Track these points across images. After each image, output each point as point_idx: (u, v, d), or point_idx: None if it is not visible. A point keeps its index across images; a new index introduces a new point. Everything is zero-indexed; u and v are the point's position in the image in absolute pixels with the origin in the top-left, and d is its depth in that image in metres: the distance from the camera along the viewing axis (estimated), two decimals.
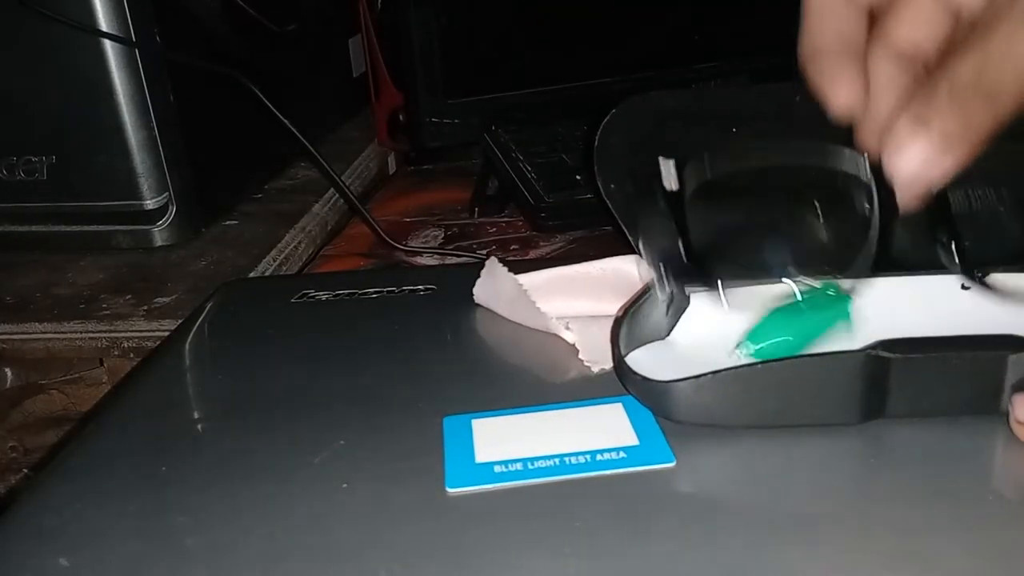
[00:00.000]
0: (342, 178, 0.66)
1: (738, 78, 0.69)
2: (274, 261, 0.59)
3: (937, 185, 0.26)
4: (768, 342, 0.29)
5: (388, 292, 0.40)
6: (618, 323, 0.30)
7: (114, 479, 0.27)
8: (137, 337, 0.49)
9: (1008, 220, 0.32)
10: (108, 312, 0.51)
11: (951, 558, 0.21)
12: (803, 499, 0.24)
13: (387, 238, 0.58)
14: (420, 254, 0.58)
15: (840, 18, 0.28)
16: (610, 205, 0.34)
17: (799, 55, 0.29)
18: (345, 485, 0.26)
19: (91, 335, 0.50)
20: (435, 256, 0.57)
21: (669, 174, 0.31)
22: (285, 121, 0.60)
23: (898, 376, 0.26)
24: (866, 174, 0.29)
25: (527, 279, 0.36)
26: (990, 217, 0.32)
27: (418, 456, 0.27)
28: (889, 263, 0.31)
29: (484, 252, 0.56)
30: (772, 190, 0.32)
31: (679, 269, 0.32)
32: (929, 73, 0.26)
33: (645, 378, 0.27)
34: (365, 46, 0.82)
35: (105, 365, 0.52)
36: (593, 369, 0.31)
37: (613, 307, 0.35)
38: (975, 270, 0.30)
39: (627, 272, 0.35)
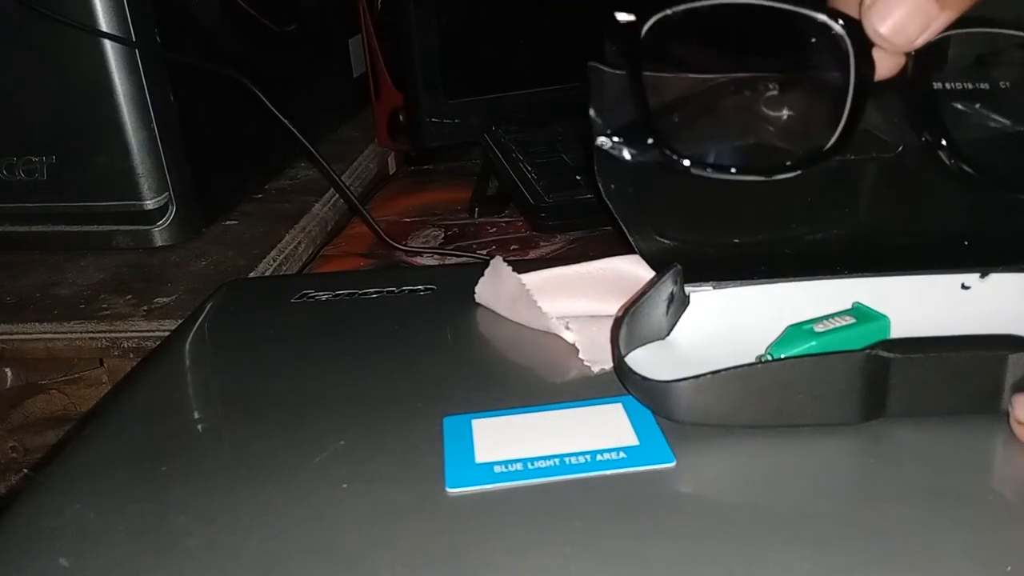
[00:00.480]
0: (342, 178, 0.66)
1: None
2: (274, 261, 0.59)
3: (919, 43, 0.25)
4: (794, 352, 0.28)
5: (388, 292, 0.40)
6: (618, 323, 0.30)
7: (114, 479, 0.27)
8: (137, 337, 0.49)
9: (999, 124, 0.31)
10: (108, 312, 0.51)
11: (951, 558, 0.21)
12: (803, 499, 0.24)
13: (387, 238, 0.58)
14: (420, 254, 0.58)
15: None
16: (610, 205, 0.34)
17: None
18: (345, 485, 0.26)
19: (91, 335, 0.50)
20: (435, 256, 0.57)
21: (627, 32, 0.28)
22: (285, 121, 0.60)
23: (898, 376, 0.26)
24: (844, 41, 0.27)
25: (527, 279, 0.36)
26: (981, 117, 0.31)
27: (418, 456, 0.27)
28: (862, 145, 0.29)
29: (484, 252, 0.56)
30: (740, 60, 0.30)
31: (680, 269, 0.32)
32: None
33: (645, 378, 0.27)
34: (365, 46, 0.82)
35: (105, 365, 0.52)
36: (593, 369, 0.31)
37: (613, 307, 0.35)
38: (967, 169, 0.28)
39: (627, 272, 0.35)
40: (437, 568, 0.22)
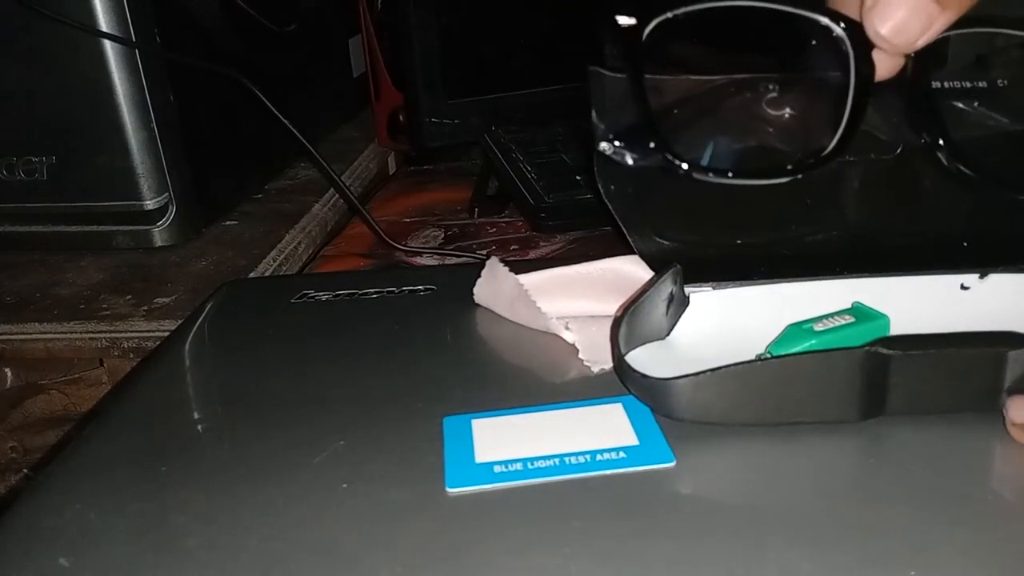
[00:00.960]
0: (342, 178, 0.66)
1: None
2: (274, 261, 0.59)
3: (920, 44, 0.25)
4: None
5: (388, 292, 0.40)
6: (618, 322, 0.30)
7: (114, 479, 0.27)
8: (137, 337, 0.49)
9: (999, 124, 0.31)
10: (108, 312, 0.51)
11: (951, 558, 0.21)
12: (803, 499, 0.24)
13: (387, 238, 0.58)
14: (420, 254, 0.58)
15: None
16: (610, 207, 0.34)
17: None
18: (345, 485, 0.26)
19: (91, 335, 0.50)
20: (435, 256, 0.57)
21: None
22: (285, 121, 0.60)
23: (898, 373, 0.26)
24: (844, 43, 0.27)
25: (527, 279, 0.36)
26: (981, 117, 0.31)
27: (418, 456, 0.27)
28: (862, 146, 0.29)
29: (484, 252, 0.56)
30: (741, 62, 0.30)
31: (679, 269, 0.32)
32: None
33: (645, 375, 0.27)
34: (365, 46, 0.82)
35: (105, 365, 0.52)
36: (593, 369, 0.31)
37: (613, 307, 0.35)
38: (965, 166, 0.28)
39: (627, 272, 0.35)
40: (437, 568, 0.22)
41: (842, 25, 0.27)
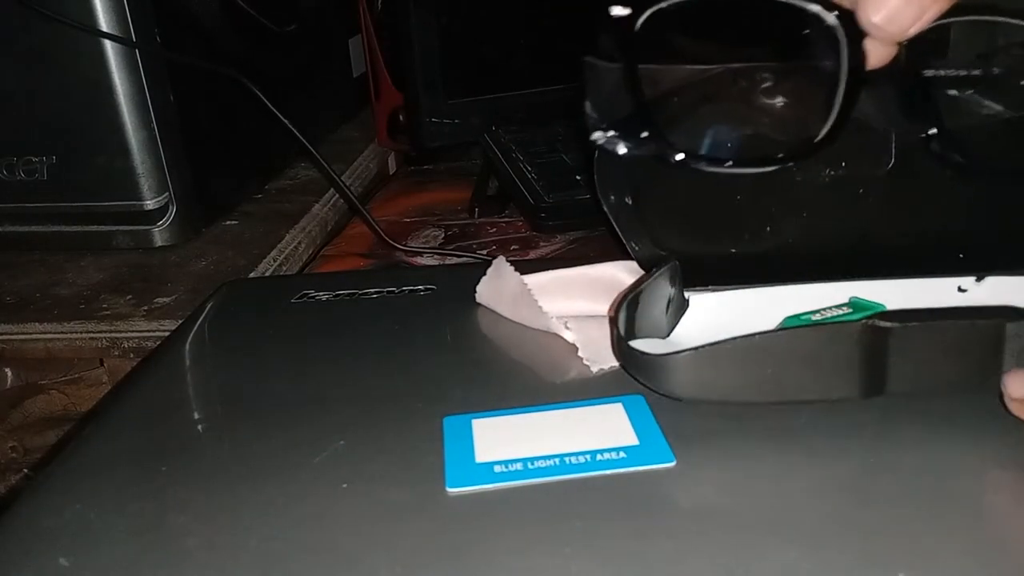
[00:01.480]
0: (342, 178, 0.66)
1: None
2: (274, 261, 0.59)
3: (913, 32, 0.25)
4: None
5: (388, 292, 0.40)
6: (617, 308, 0.29)
7: (114, 479, 0.27)
8: (137, 337, 0.49)
9: (993, 112, 0.31)
10: (108, 312, 0.51)
11: (951, 558, 0.21)
12: (803, 499, 0.24)
13: (387, 238, 0.58)
14: (420, 254, 0.58)
15: None
16: (609, 216, 0.34)
17: None
18: (345, 485, 0.26)
19: (91, 335, 0.50)
20: (435, 256, 0.57)
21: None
22: (285, 121, 0.60)
23: (896, 347, 0.26)
24: (837, 31, 0.27)
25: (527, 280, 0.36)
26: (975, 106, 0.31)
27: (418, 456, 0.27)
28: (854, 144, 0.30)
29: (484, 252, 0.56)
30: (734, 51, 0.30)
31: (676, 265, 0.32)
32: None
33: (644, 353, 0.27)
34: (365, 46, 0.82)
35: (105, 365, 0.52)
36: (592, 369, 0.31)
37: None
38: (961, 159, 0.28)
39: (625, 280, 0.35)
40: (437, 568, 0.22)
41: (835, 14, 0.26)
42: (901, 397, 0.27)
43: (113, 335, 0.50)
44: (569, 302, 0.35)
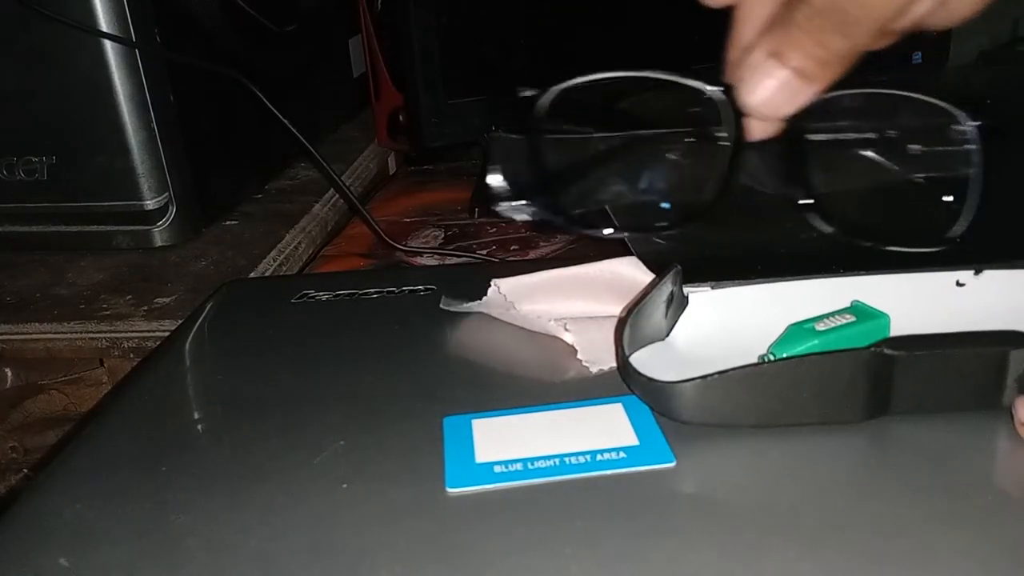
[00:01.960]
0: (342, 178, 0.66)
1: None
2: (274, 261, 0.59)
3: (787, 113, 0.27)
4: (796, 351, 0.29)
5: (388, 292, 0.40)
6: (622, 324, 0.30)
7: (114, 479, 0.27)
8: (137, 337, 0.49)
9: (870, 181, 0.32)
10: (108, 312, 0.51)
11: (951, 558, 0.21)
12: (803, 499, 0.24)
13: (387, 238, 0.58)
14: (420, 254, 0.58)
15: None
16: (609, 212, 0.34)
17: None
18: (345, 485, 0.26)
19: (91, 335, 0.50)
20: (435, 256, 0.57)
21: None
22: (285, 121, 0.60)
23: (902, 373, 0.26)
24: (725, 107, 0.29)
25: (526, 280, 0.36)
26: (853, 174, 0.32)
27: (418, 456, 0.27)
28: (736, 207, 0.31)
29: (484, 252, 0.56)
30: (633, 124, 0.32)
31: (679, 269, 0.32)
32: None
33: (651, 379, 0.27)
34: (365, 46, 0.82)
35: (105, 365, 0.52)
36: (592, 369, 0.31)
37: (611, 308, 0.35)
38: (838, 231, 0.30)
39: (625, 274, 0.35)
40: (437, 568, 0.22)
41: (721, 90, 0.28)
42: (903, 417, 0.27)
43: (113, 335, 0.50)
44: (568, 302, 0.35)
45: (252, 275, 0.56)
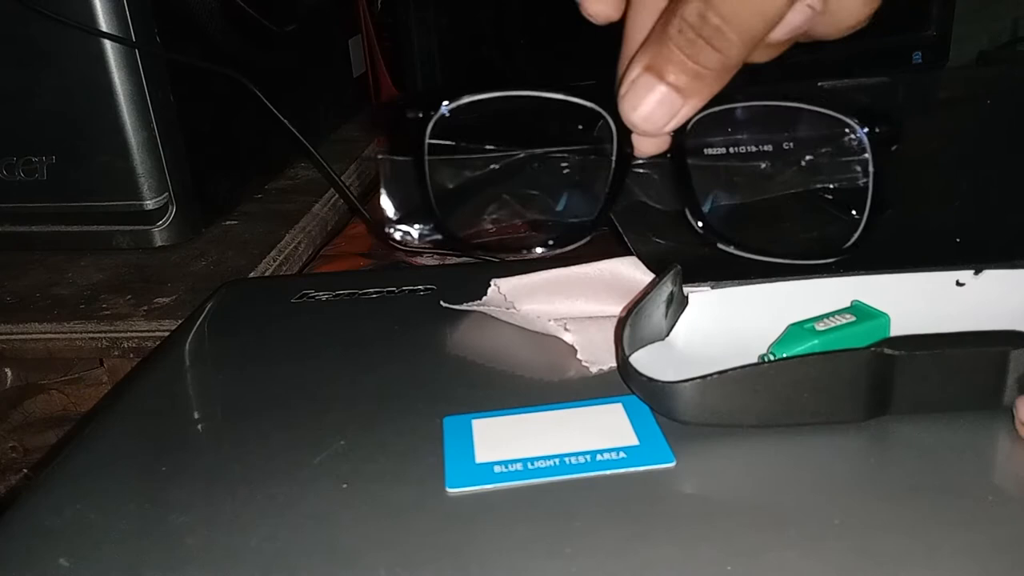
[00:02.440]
0: (342, 178, 0.66)
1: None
2: (274, 261, 0.59)
3: (668, 129, 0.27)
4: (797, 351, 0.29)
5: (388, 292, 0.40)
6: (622, 324, 0.30)
7: (114, 479, 0.27)
8: (137, 337, 0.49)
9: (754, 195, 0.33)
10: (108, 312, 0.51)
11: (951, 557, 0.21)
12: (804, 499, 0.24)
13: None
14: (420, 254, 0.58)
15: None
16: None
17: None
18: (345, 485, 0.26)
19: (91, 335, 0.50)
20: (435, 256, 0.57)
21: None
22: (285, 121, 0.60)
23: (902, 373, 0.26)
24: (610, 124, 0.29)
25: (526, 279, 0.36)
26: (737, 187, 0.32)
27: (418, 456, 0.27)
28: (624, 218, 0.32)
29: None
30: (520, 143, 0.33)
31: (679, 269, 0.32)
32: (670, 13, 0.26)
33: (651, 379, 0.27)
34: (365, 46, 0.82)
35: (105, 365, 0.52)
36: (592, 369, 0.31)
37: (611, 308, 0.35)
38: (718, 242, 0.30)
39: (625, 274, 0.35)
40: (437, 568, 0.22)
41: (608, 110, 0.29)
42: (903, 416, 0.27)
43: (113, 335, 0.50)
44: (568, 302, 0.35)
45: (252, 275, 0.56)
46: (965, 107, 0.41)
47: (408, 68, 0.66)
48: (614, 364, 0.31)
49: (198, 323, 0.39)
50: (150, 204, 0.60)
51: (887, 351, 0.26)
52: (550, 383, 0.31)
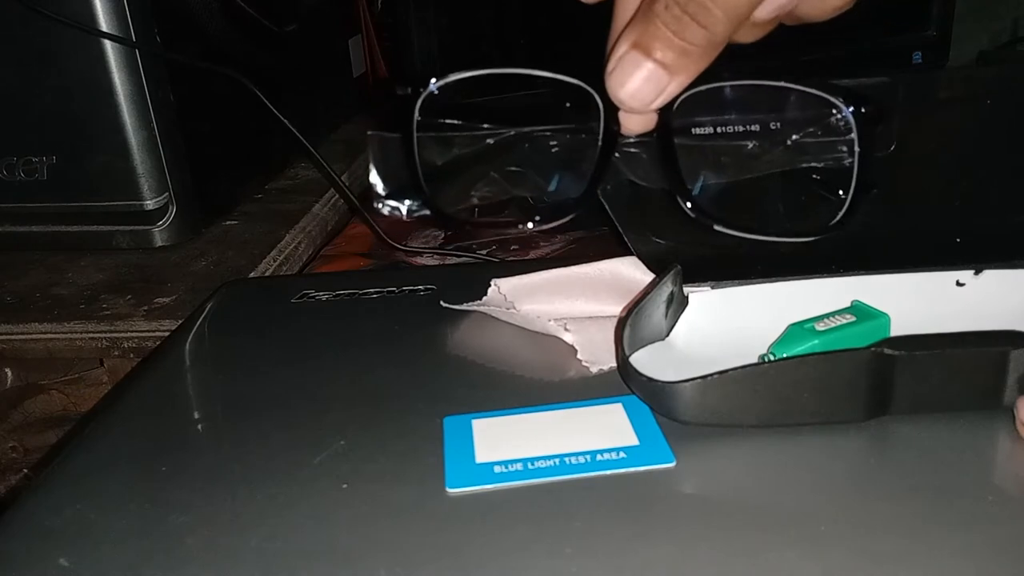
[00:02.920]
0: (342, 178, 0.66)
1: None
2: (274, 261, 0.59)
3: (655, 106, 0.27)
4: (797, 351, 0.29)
5: (388, 292, 0.40)
6: (622, 324, 0.30)
7: (114, 479, 0.27)
8: (137, 337, 0.49)
9: (741, 174, 0.33)
10: (108, 312, 0.51)
11: (951, 558, 0.21)
12: (803, 499, 0.24)
13: (387, 238, 0.58)
14: (420, 254, 0.58)
15: None
16: (607, 208, 0.34)
17: None
18: (345, 485, 0.26)
19: (91, 335, 0.50)
20: (435, 256, 0.57)
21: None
22: (285, 121, 0.60)
23: (903, 373, 0.26)
24: (597, 101, 0.29)
25: (526, 279, 0.36)
26: (724, 166, 0.32)
27: (418, 456, 0.27)
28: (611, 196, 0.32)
29: (484, 252, 0.56)
30: (508, 119, 0.33)
31: (679, 269, 0.32)
32: None
33: (651, 379, 0.27)
34: (365, 46, 0.82)
35: (105, 365, 0.52)
36: (592, 369, 0.31)
37: (611, 308, 0.35)
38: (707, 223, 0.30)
39: (625, 274, 0.35)
40: (437, 568, 0.22)
41: (595, 88, 0.29)
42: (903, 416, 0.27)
43: (113, 335, 0.50)
44: (569, 302, 0.35)
45: (252, 275, 0.56)
46: (965, 107, 0.41)
47: (408, 68, 0.66)
48: (614, 364, 0.31)
49: (198, 323, 0.39)
50: (150, 204, 0.60)
51: (887, 351, 0.26)
52: (550, 383, 0.31)
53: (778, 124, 0.32)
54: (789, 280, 0.32)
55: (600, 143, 0.29)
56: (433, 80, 0.30)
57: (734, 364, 0.26)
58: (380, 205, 0.31)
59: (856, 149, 0.30)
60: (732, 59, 0.28)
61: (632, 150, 0.30)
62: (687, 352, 0.31)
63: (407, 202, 0.31)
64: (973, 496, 0.24)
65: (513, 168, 0.32)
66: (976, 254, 0.32)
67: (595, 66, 0.29)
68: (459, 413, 0.29)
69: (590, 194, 0.30)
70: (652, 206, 0.34)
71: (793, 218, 0.33)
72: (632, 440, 0.27)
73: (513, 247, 0.57)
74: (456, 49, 0.66)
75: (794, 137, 0.32)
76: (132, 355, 0.50)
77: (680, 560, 0.22)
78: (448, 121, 0.32)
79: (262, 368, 0.34)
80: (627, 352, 0.29)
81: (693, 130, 0.31)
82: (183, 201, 0.61)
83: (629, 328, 0.29)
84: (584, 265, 0.36)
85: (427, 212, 0.31)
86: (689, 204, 0.30)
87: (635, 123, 0.29)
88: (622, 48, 0.27)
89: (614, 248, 0.36)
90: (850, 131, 0.30)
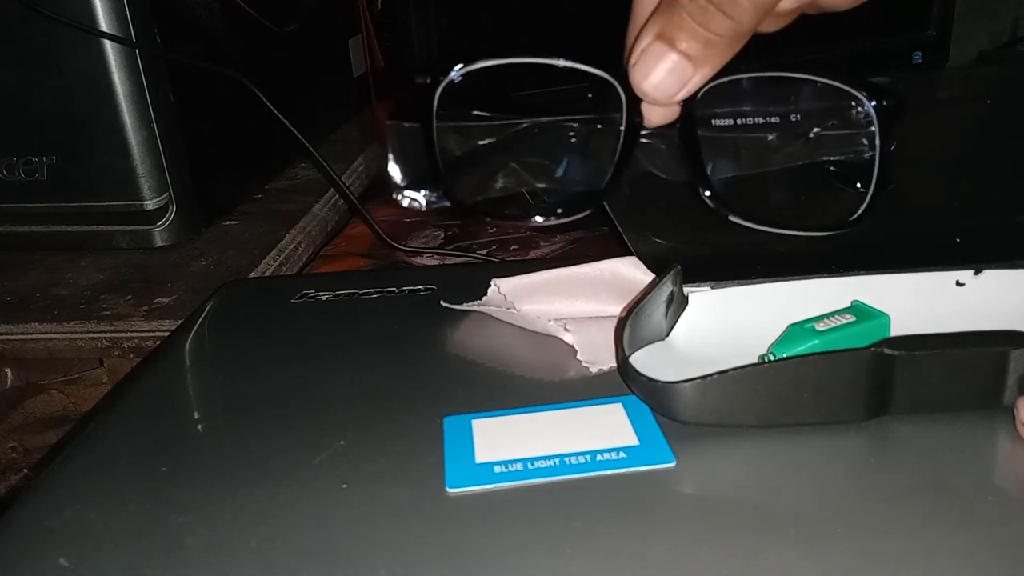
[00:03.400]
0: (342, 178, 0.66)
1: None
2: (274, 261, 0.59)
3: (679, 98, 0.27)
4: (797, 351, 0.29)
5: (388, 292, 0.40)
6: (622, 324, 0.30)
7: (114, 479, 0.27)
8: (137, 337, 0.49)
9: (764, 167, 0.33)
10: (108, 312, 0.51)
11: (951, 558, 0.21)
12: (803, 499, 0.24)
13: (387, 238, 0.58)
14: (420, 254, 0.58)
15: None
16: (608, 209, 0.34)
17: None
18: (345, 485, 0.26)
19: (91, 335, 0.50)
20: (435, 256, 0.57)
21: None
22: (285, 121, 0.60)
23: (903, 373, 0.26)
24: (619, 93, 0.29)
25: (526, 280, 0.36)
26: (747, 159, 0.32)
27: (418, 456, 0.27)
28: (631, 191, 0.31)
29: (484, 252, 0.56)
30: (528, 110, 0.32)
31: (679, 269, 0.32)
32: None
33: (650, 379, 0.27)
34: (365, 46, 0.82)
35: (105, 365, 0.52)
36: (592, 370, 0.31)
37: (611, 308, 0.35)
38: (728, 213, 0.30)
39: (625, 274, 0.35)
40: (437, 568, 0.22)
41: (618, 79, 0.29)
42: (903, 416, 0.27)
43: (113, 335, 0.50)
44: (568, 302, 0.35)
45: (252, 275, 0.56)
46: (965, 107, 0.41)
47: (408, 68, 0.66)
48: (614, 364, 0.31)
49: (198, 323, 0.39)
50: (150, 204, 0.60)
51: (887, 351, 0.26)
52: (550, 383, 0.31)
53: (799, 116, 0.32)
54: (789, 280, 0.32)
55: (622, 134, 0.29)
56: (456, 68, 0.29)
57: (734, 364, 0.26)
58: (399, 196, 0.31)
59: (877, 143, 0.30)
60: (737, 59, 0.28)
61: (650, 141, 0.30)
62: (687, 352, 0.31)
63: (425, 192, 0.31)
64: (973, 496, 0.24)
65: (533, 159, 0.32)
66: (976, 254, 0.32)
67: (615, 54, 0.29)
68: (459, 413, 0.29)
69: (613, 185, 0.30)
70: (652, 206, 0.34)
71: (811, 212, 0.33)
72: (632, 440, 0.27)
73: (513, 247, 0.57)
74: (456, 49, 0.66)
75: (815, 130, 0.32)
76: (132, 355, 0.50)
77: (680, 560, 0.22)
78: (468, 110, 0.31)
79: (262, 368, 0.34)
80: (627, 352, 0.29)
81: (714, 121, 0.30)
82: (183, 201, 0.61)
83: (629, 328, 0.29)
84: (584, 265, 0.36)
85: (446, 203, 0.31)
86: (710, 195, 0.30)
87: (658, 115, 0.29)
88: (646, 39, 0.27)
89: (614, 248, 0.36)
90: (871, 125, 0.30)
